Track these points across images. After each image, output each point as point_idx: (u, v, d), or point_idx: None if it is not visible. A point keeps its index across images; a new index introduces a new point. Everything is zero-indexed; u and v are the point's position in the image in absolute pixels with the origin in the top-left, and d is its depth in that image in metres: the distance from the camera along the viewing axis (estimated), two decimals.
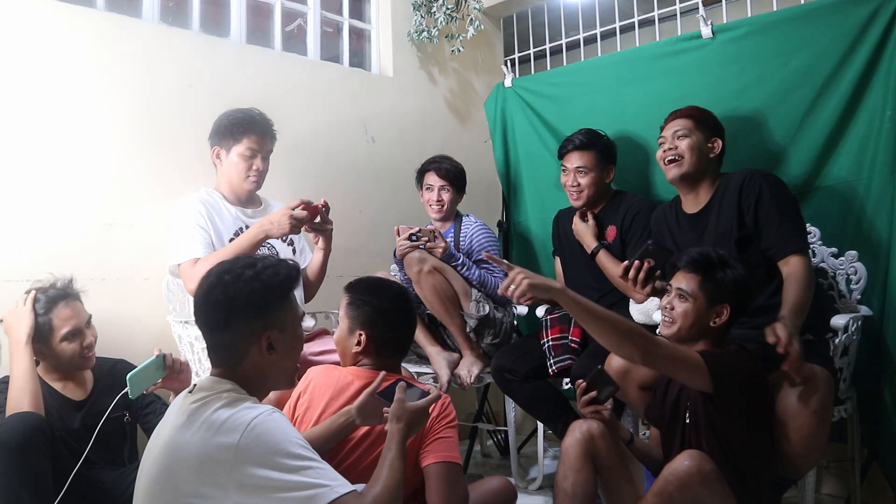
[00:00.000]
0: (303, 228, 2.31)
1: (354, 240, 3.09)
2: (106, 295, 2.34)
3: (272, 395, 1.99)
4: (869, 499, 2.33)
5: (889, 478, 2.28)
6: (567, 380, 2.47)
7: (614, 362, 2.12)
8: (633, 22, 3.02)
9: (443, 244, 2.56)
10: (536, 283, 1.63)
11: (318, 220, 2.32)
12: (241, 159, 2.38)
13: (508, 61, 3.42)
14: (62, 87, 2.35)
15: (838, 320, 2.04)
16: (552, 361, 2.45)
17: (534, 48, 3.43)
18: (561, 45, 3.32)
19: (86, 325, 2.02)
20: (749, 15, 2.64)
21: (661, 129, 2.27)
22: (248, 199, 2.48)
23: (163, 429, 1.34)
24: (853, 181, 2.30)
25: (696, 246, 2.11)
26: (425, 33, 3.38)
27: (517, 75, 3.40)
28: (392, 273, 2.86)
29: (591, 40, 3.24)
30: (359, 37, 3.51)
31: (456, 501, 1.59)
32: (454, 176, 2.82)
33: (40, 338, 1.93)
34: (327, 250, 2.46)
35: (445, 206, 2.80)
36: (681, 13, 2.86)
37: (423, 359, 2.70)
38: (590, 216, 2.56)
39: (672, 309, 1.80)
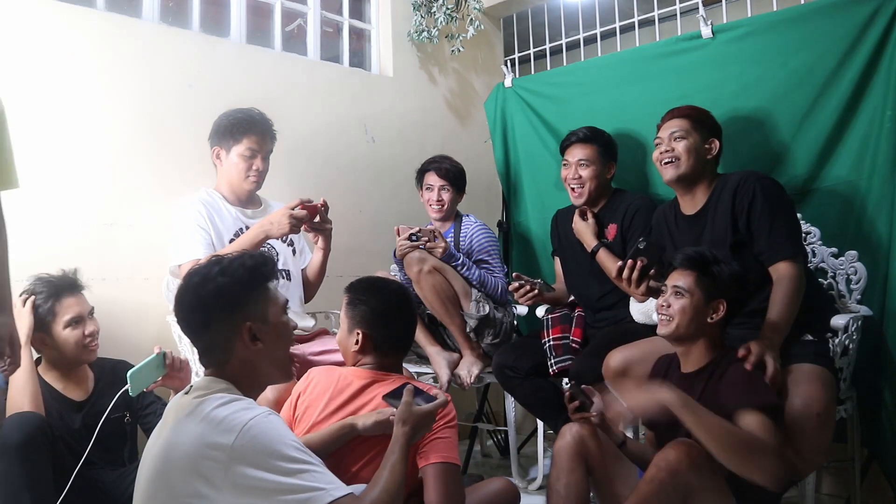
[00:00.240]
0: (302, 228, 2.31)
1: (354, 240, 3.10)
2: (106, 295, 2.34)
3: (271, 394, 2.00)
4: (869, 499, 2.33)
5: (889, 478, 2.28)
6: (566, 380, 2.47)
7: (612, 361, 2.12)
8: (633, 22, 3.02)
9: (443, 244, 2.56)
10: (642, 406, 1.61)
11: (317, 219, 2.32)
12: (240, 159, 2.38)
13: (508, 61, 3.42)
14: (62, 87, 2.36)
15: (838, 320, 2.04)
16: (553, 361, 2.45)
17: (534, 48, 3.43)
18: (561, 45, 3.32)
19: (88, 315, 2.03)
20: (749, 15, 2.64)
21: (658, 128, 2.26)
22: (248, 200, 2.48)
23: (160, 430, 1.34)
24: (853, 181, 2.30)
25: (694, 247, 2.11)
26: (425, 33, 3.38)
27: (517, 75, 3.40)
28: (392, 273, 2.87)
29: (591, 40, 3.24)
30: (359, 37, 3.51)
31: (454, 501, 1.58)
32: (454, 176, 2.82)
33: (42, 326, 1.94)
34: (327, 250, 2.46)
35: (445, 206, 2.80)
36: (681, 13, 2.86)
37: (423, 359, 2.70)
38: (590, 214, 2.55)
39: (669, 307, 1.79)
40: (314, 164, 3.05)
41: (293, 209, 2.23)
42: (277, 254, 2.46)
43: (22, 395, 1.83)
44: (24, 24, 2.29)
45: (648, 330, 2.30)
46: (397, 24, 3.43)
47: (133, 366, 1.66)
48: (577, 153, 2.56)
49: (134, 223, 2.50)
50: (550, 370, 2.45)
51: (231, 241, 2.32)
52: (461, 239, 2.80)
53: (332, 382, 1.76)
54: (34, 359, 1.98)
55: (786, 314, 1.87)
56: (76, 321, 1.98)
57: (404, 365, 2.21)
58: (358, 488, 1.42)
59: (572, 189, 2.57)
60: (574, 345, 2.46)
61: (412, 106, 3.47)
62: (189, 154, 2.59)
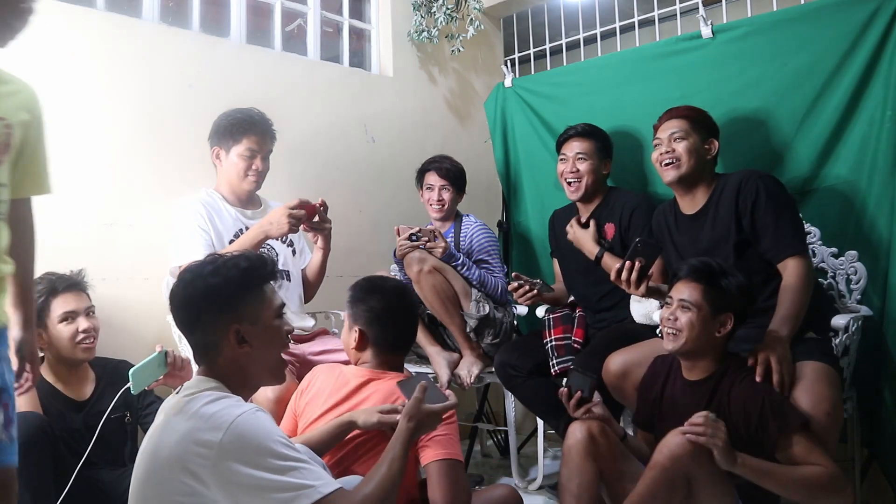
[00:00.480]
0: (301, 228, 2.31)
1: (354, 240, 3.09)
2: (106, 294, 2.34)
3: (272, 393, 2.00)
4: (869, 499, 2.33)
5: (889, 478, 2.27)
6: (566, 380, 2.47)
7: (612, 365, 2.11)
8: (633, 22, 3.02)
9: (443, 244, 2.56)
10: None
11: (316, 219, 2.32)
12: (240, 160, 2.38)
13: (508, 61, 3.42)
14: (62, 87, 2.35)
15: (838, 320, 2.04)
16: (555, 361, 2.45)
17: (534, 48, 3.43)
18: (561, 45, 3.32)
19: (85, 313, 2.03)
20: (749, 15, 2.64)
21: (655, 128, 2.25)
22: (248, 200, 2.48)
23: (152, 430, 1.34)
24: (853, 181, 2.30)
25: (694, 246, 2.11)
26: (425, 33, 3.38)
27: (517, 75, 3.40)
28: (392, 273, 2.87)
29: (591, 40, 3.24)
30: (359, 37, 3.51)
31: (459, 497, 1.58)
32: (454, 176, 2.82)
33: (39, 322, 1.95)
34: (326, 250, 2.46)
35: (446, 206, 2.81)
36: (681, 13, 2.86)
37: (423, 359, 2.70)
38: (591, 222, 2.53)
39: (675, 320, 1.76)
40: (314, 164, 3.05)
41: (292, 209, 2.23)
42: (277, 254, 2.46)
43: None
44: None
45: (648, 330, 2.30)
46: (397, 24, 3.43)
47: (134, 365, 1.67)
48: (575, 147, 2.56)
49: (134, 223, 2.50)
50: (552, 370, 2.45)
51: (231, 241, 2.32)
52: (461, 239, 2.80)
53: (332, 379, 1.78)
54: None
55: (797, 306, 1.87)
56: (70, 317, 1.99)
57: (405, 365, 2.22)
58: (353, 480, 1.43)
59: (568, 183, 2.56)
60: (576, 345, 2.46)
61: (412, 106, 3.47)
62: (189, 154, 2.59)
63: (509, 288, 2.51)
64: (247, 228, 2.35)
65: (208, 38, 2.81)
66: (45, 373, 1.99)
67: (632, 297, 2.36)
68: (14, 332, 1.48)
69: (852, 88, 2.30)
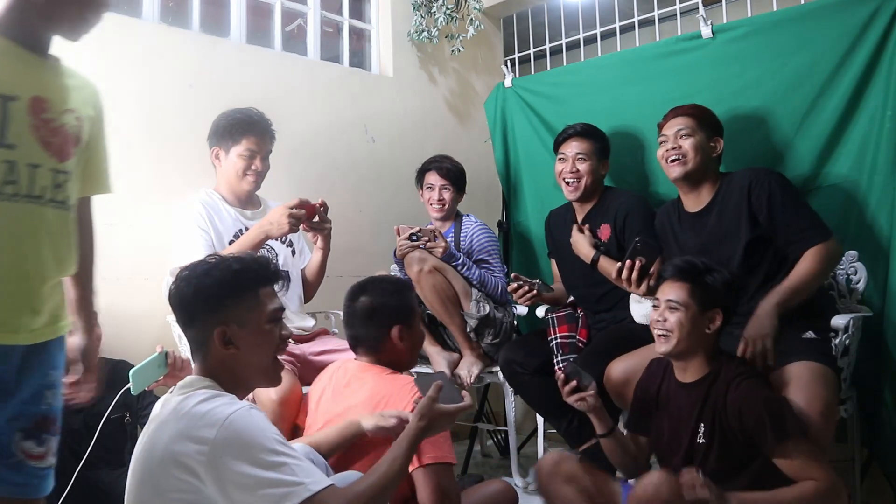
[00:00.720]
0: (301, 227, 2.31)
1: (354, 240, 3.10)
2: (106, 294, 2.32)
3: (275, 394, 2.01)
4: (869, 499, 2.33)
5: (889, 478, 2.28)
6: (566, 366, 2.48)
7: (613, 372, 2.11)
8: (633, 22, 3.02)
9: (443, 244, 2.56)
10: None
11: (316, 219, 2.32)
12: (240, 160, 2.38)
13: (508, 61, 3.42)
14: None
15: (838, 320, 2.04)
16: (559, 359, 2.44)
17: (534, 48, 3.43)
18: (561, 45, 3.32)
19: None
20: (749, 15, 2.64)
21: (660, 126, 2.26)
22: (248, 200, 2.48)
23: (148, 429, 1.34)
24: (853, 181, 2.30)
25: (698, 244, 2.12)
26: (425, 33, 3.38)
27: (517, 75, 3.40)
28: (392, 273, 2.87)
29: (591, 40, 3.24)
30: (359, 37, 3.51)
31: (447, 502, 1.57)
32: (455, 175, 2.82)
33: None
34: (326, 250, 2.46)
35: (447, 206, 2.81)
36: (681, 13, 2.86)
37: (423, 358, 2.70)
38: (586, 228, 2.52)
39: (665, 321, 1.76)
40: (314, 164, 3.05)
41: (291, 208, 2.23)
42: (277, 255, 2.46)
43: None
44: None
45: (648, 330, 2.30)
46: (397, 24, 3.43)
47: (134, 366, 1.66)
48: (574, 147, 2.55)
49: (134, 223, 2.49)
50: (556, 368, 2.44)
51: (231, 242, 2.32)
52: (461, 239, 2.80)
53: (335, 371, 1.86)
54: None
55: (800, 279, 1.91)
56: None
57: None
58: (350, 476, 1.43)
59: (567, 183, 2.55)
60: (580, 344, 2.47)
61: (412, 106, 3.46)
62: (189, 154, 2.59)
63: (508, 289, 2.51)
64: (246, 229, 2.35)
65: (208, 38, 2.81)
66: None
67: (631, 297, 2.36)
68: (76, 340, 1.45)
69: (852, 88, 2.30)
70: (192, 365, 1.42)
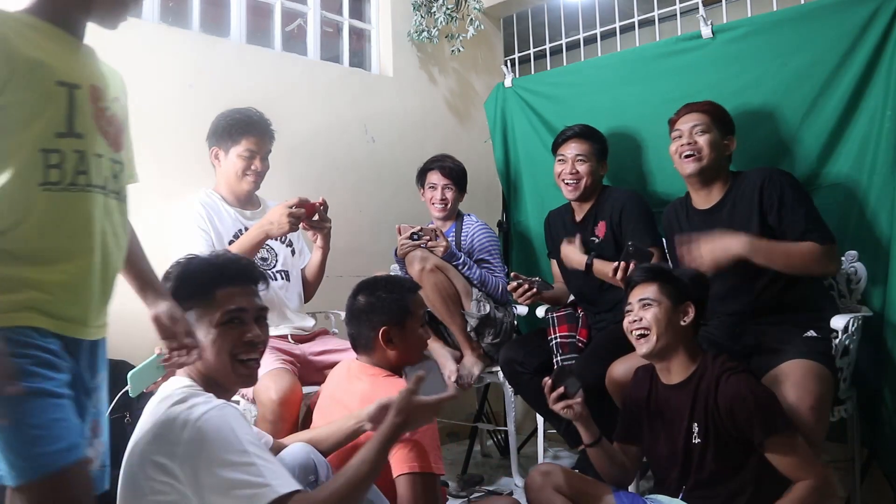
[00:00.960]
0: (301, 227, 2.31)
1: (355, 240, 3.10)
2: None
3: (275, 395, 2.02)
4: (869, 499, 2.32)
5: (889, 478, 2.27)
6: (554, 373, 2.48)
7: (615, 374, 2.11)
8: (633, 22, 3.02)
9: (444, 243, 2.56)
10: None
11: (316, 218, 2.32)
12: (239, 160, 2.38)
13: (508, 61, 3.42)
14: None
15: (838, 320, 2.04)
16: (559, 358, 2.45)
17: (534, 48, 3.42)
18: (561, 45, 3.32)
19: None
20: (749, 15, 2.64)
21: (672, 121, 2.25)
22: (247, 200, 2.48)
23: (134, 431, 1.36)
24: (853, 181, 2.30)
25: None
26: (425, 33, 3.38)
27: (517, 75, 3.40)
28: (393, 272, 2.86)
29: (591, 40, 3.24)
30: (359, 37, 3.51)
31: None
32: (457, 175, 2.83)
33: None
34: (326, 249, 2.46)
35: (449, 205, 2.81)
36: (681, 13, 2.86)
37: (424, 358, 2.70)
38: (577, 237, 2.52)
39: (640, 320, 1.78)
40: (314, 164, 3.05)
41: (291, 207, 2.23)
42: (276, 255, 2.46)
43: None
44: None
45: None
46: (397, 24, 3.43)
47: (133, 367, 1.66)
48: (573, 148, 2.56)
49: (134, 223, 2.48)
50: (556, 367, 2.44)
51: (231, 242, 2.32)
52: (462, 238, 2.80)
53: (339, 371, 1.88)
54: None
55: (788, 255, 1.95)
56: None
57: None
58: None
59: (567, 184, 2.56)
60: (580, 344, 2.47)
61: (412, 106, 3.46)
62: (189, 154, 2.58)
63: (508, 288, 2.51)
64: (246, 229, 2.35)
65: (208, 38, 2.81)
66: None
67: None
68: (162, 307, 1.39)
69: (852, 88, 2.30)
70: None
